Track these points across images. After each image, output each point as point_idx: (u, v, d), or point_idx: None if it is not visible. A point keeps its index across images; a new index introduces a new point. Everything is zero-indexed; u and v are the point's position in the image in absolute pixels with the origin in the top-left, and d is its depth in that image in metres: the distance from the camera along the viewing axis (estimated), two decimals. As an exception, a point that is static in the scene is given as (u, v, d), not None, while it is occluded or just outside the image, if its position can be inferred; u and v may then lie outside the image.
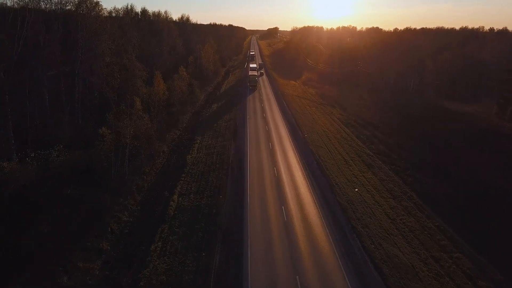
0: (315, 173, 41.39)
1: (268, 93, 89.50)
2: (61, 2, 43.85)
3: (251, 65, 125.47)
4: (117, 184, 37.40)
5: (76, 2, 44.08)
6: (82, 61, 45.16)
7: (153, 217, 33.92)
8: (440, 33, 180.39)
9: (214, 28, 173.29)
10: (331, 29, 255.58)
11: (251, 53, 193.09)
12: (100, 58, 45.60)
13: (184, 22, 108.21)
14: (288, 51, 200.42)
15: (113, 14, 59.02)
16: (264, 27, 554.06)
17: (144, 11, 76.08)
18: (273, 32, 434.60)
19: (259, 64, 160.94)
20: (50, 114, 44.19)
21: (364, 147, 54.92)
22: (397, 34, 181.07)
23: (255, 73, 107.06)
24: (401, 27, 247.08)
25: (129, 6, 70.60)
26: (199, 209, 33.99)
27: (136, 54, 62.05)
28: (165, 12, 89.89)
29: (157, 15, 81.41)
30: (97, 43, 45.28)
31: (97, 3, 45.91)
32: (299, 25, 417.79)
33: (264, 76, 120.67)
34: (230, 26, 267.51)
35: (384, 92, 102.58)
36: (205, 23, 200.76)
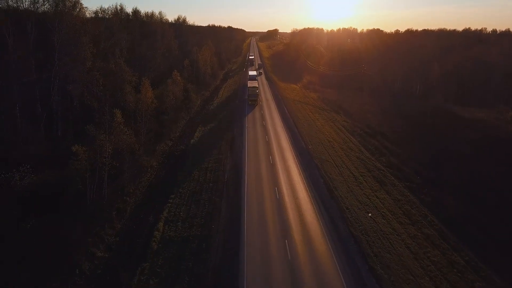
0: (322, 195, 35.89)
1: (268, 98, 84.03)
2: (35, 1, 38.39)
3: (250, 73, 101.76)
4: (94, 210, 31.94)
5: (52, 1, 38.59)
6: (59, 66, 39.65)
7: (134, 251, 28.44)
8: (443, 34, 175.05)
9: (212, 30, 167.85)
10: (331, 30, 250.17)
11: (250, 57, 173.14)
12: (80, 63, 40.11)
13: (180, 24, 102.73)
14: (288, 53, 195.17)
15: (100, 15, 53.79)
16: (264, 29, 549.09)
17: (136, 12, 70.84)
18: (272, 34, 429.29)
19: (258, 64, 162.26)
20: (23, 127, 38.75)
21: (373, 159, 49.47)
22: (399, 36, 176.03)
23: (255, 84, 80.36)
24: (401, 28, 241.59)
25: (119, 6, 65.18)
26: (187, 243, 28.49)
27: (125, 58, 56.57)
28: (160, 13, 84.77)
29: (150, 16, 76.04)
30: (76, 46, 39.79)
31: (77, 1, 40.47)
32: (299, 26, 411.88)
33: (264, 80, 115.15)
34: (229, 28, 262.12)
35: (389, 96, 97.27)
36: (204, 25, 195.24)
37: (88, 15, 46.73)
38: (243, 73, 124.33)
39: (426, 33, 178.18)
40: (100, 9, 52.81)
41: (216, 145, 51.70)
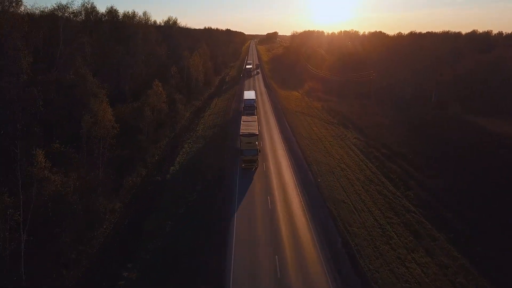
0: (343, 269, 24.44)
1: (267, 110, 72.61)
2: None
3: (246, 96, 66.55)
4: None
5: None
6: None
7: None
8: (449, 37, 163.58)
9: (208, 33, 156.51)
10: (332, 33, 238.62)
11: (247, 66, 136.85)
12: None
13: (170, 26, 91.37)
14: (288, 57, 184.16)
15: (59, 14, 42.62)
16: (263, 31, 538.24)
17: (111, 12, 59.03)
18: (272, 37, 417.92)
19: (256, 65, 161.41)
20: None
21: (399, 194, 38.22)
22: (403, 38, 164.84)
23: (252, 126, 45.74)
24: (402, 31, 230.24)
25: (89, 5, 53.69)
26: None
27: (92, 66, 45.33)
28: (144, 13, 73.53)
29: (131, 17, 64.61)
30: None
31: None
32: (299, 29, 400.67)
33: (263, 87, 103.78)
34: (228, 30, 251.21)
35: (400, 105, 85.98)
36: (202, 27, 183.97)
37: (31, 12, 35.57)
38: (237, 92, 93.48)
39: (431, 36, 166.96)
40: (58, 6, 41.66)
41: (202, 174, 40.45)
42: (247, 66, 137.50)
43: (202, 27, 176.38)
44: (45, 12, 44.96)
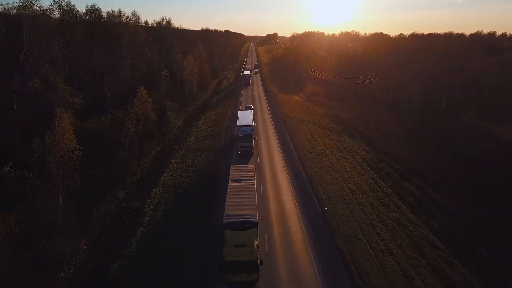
0: None
1: (266, 118, 66.27)
2: None
3: (241, 121, 47.99)
4: None
5: None
6: None
7: None
8: (453, 38, 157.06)
9: (206, 34, 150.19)
10: (333, 34, 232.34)
11: (244, 72, 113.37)
12: None
13: (163, 27, 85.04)
14: (288, 59, 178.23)
15: (24, 12, 36.25)
16: (263, 33, 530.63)
17: (93, 11, 52.37)
18: (272, 38, 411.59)
19: (254, 65, 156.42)
20: None
21: (420, 224, 32.06)
22: (405, 40, 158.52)
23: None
24: (402, 32, 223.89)
25: (64, 2, 47.00)
26: None
27: (64, 72, 39.11)
28: (133, 13, 67.36)
29: (116, 16, 58.09)
30: None
31: None
32: (298, 31, 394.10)
33: (261, 91, 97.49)
34: (227, 32, 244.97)
35: (408, 111, 79.80)
36: (200, 29, 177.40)
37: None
38: (231, 107, 74.96)
39: (434, 37, 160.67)
40: (23, 3, 35.05)
41: (188, 197, 34.26)
42: (245, 73, 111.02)
43: (200, 28, 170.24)
44: (6, 9, 38.47)
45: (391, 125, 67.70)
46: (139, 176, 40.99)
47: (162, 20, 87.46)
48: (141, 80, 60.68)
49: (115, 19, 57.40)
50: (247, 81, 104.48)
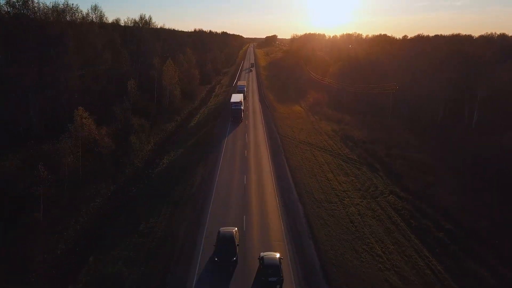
0: None
1: (260, 142, 50.59)
2: None
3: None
4: None
5: None
6: None
7: None
8: (463, 41, 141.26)
9: (198, 36, 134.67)
10: (334, 36, 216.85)
11: (233, 100, 61.84)
12: None
13: (141, 27, 69.76)
14: (287, 62, 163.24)
15: None
16: (262, 35, 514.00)
17: (12, 3, 36.86)
18: (271, 40, 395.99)
19: (250, 64, 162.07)
20: None
21: None
22: (412, 42, 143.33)
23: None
24: (401, 34, 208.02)
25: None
26: None
27: None
28: (94, 8, 52.26)
29: (60, 12, 42.34)
30: None
31: None
32: (298, 32, 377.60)
33: (257, 102, 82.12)
34: (224, 33, 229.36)
35: (433, 128, 64.58)
36: (193, 30, 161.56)
37: None
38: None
39: (442, 39, 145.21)
40: None
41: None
42: (234, 100, 61.31)
43: (192, 30, 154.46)
44: None
45: (415, 147, 52.60)
46: (60, 249, 25.74)
47: (141, 19, 72.10)
48: (102, 93, 45.50)
49: (57, 15, 41.94)
50: (236, 114, 58.96)
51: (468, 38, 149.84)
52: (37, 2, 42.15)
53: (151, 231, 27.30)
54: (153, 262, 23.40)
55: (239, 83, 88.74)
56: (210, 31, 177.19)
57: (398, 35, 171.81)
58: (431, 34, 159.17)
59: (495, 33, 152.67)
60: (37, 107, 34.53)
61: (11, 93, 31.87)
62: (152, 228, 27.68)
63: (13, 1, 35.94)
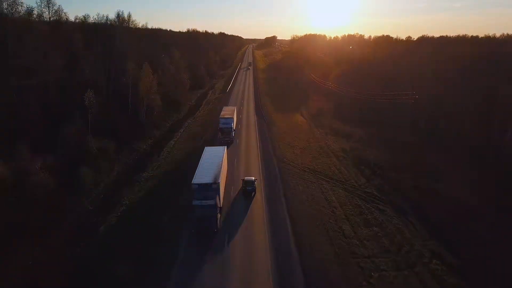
0: None
1: (253, 163, 39.50)
2: None
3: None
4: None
5: None
6: None
7: None
8: (473, 42, 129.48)
9: (191, 37, 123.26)
10: (335, 37, 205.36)
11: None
12: None
13: (115, 26, 58.61)
14: (287, 64, 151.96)
15: None
16: (262, 36, 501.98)
17: None
18: (270, 41, 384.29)
19: (248, 63, 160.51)
20: None
21: None
22: (417, 43, 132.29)
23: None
24: (403, 36, 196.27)
25: None
26: None
27: None
28: (49, 2, 41.45)
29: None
30: None
31: None
32: (298, 33, 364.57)
33: (252, 112, 70.82)
34: (222, 34, 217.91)
35: (461, 148, 53.20)
36: (185, 30, 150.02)
37: None
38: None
39: (446, 40, 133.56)
40: None
41: None
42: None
43: (185, 30, 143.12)
44: None
45: (450, 175, 41.12)
46: None
47: (118, 16, 60.89)
48: (55, 106, 34.50)
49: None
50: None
51: (474, 39, 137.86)
52: None
53: None
54: None
55: (225, 112, 51.08)
56: (205, 31, 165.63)
57: (399, 36, 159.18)
58: (430, 35, 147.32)
59: (494, 34, 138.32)
60: None
61: None
62: None
63: None
